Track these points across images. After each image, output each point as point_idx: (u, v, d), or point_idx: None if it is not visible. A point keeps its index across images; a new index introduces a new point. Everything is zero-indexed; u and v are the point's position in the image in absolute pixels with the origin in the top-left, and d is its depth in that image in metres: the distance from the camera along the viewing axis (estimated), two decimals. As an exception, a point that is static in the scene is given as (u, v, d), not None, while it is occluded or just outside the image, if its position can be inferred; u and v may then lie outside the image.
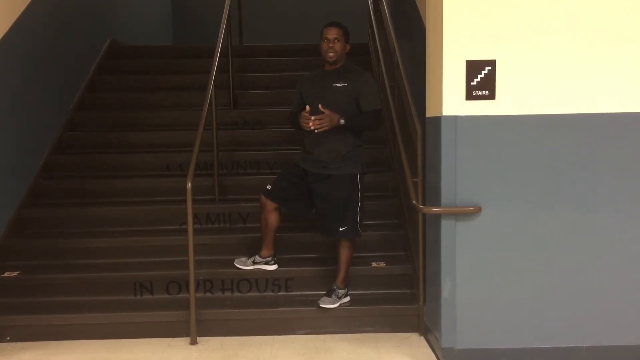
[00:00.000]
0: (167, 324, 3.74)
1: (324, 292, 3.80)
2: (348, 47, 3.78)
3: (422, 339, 3.67)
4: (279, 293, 3.98)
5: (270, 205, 3.85)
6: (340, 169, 3.70)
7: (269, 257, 3.98)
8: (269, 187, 3.85)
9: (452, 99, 3.17)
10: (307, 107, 3.64)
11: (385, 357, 3.44)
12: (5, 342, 3.69)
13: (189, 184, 3.56)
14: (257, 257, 3.99)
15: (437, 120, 3.24)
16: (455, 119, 3.18)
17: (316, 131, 3.59)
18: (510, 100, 3.18)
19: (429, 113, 3.45)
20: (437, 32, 3.22)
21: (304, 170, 3.81)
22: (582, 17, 3.15)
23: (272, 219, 3.88)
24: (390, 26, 4.51)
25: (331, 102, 3.64)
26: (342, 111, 3.63)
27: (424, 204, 3.52)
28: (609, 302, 3.27)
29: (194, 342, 3.62)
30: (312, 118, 3.57)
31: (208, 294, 3.97)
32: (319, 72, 3.89)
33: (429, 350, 3.52)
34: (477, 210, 3.20)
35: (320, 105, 3.59)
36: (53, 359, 3.48)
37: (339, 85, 3.70)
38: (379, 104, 3.77)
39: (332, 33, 3.70)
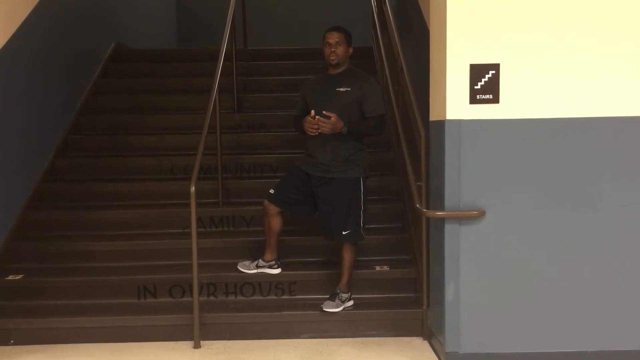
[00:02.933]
0: (171, 328, 3.74)
1: (328, 296, 3.80)
2: (351, 50, 3.79)
3: (426, 343, 3.66)
4: (283, 297, 3.98)
5: (273, 209, 3.85)
6: (343, 173, 3.70)
7: (272, 260, 3.98)
8: (272, 191, 3.86)
9: (455, 102, 3.17)
10: (312, 112, 3.64)
11: (388, 361, 3.43)
12: (10, 345, 3.69)
13: (193, 188, 3.57)
14: (260, 260, 3.99)
15: (441, 124, 3.24)
16: (459, 122, 3.17)
17: (316, 133, 3.60)
18: (514, 103, 3.17)
19: (433, 117, 3.45)
20: (441, 35, 3.22)
21: (306, 174, 3.81)
22: (587, 20, 3.13)
23: (275, 223, 3.88)
24: (394, 30, 4.51)
25: (335, 106, 3.64)
26: (345, 115, 3.63)
27: (427, 208, 3.52)
28: (614, 307, 3.26)
29: (197, 346, 3.62)
30: (317, 118, 3.57)
31: (211, 298, 3.97)
32: (323, 76, 3.90)
33: (433, 354, 3.51)
34: (481, 214, 3.19)
35: (323, 112, 3.59)
36: (56, 362, 3.49)
37: (342, 89, 3.71)
38: (382, 109, 3.76)
39: (334, 37, 3.71)
